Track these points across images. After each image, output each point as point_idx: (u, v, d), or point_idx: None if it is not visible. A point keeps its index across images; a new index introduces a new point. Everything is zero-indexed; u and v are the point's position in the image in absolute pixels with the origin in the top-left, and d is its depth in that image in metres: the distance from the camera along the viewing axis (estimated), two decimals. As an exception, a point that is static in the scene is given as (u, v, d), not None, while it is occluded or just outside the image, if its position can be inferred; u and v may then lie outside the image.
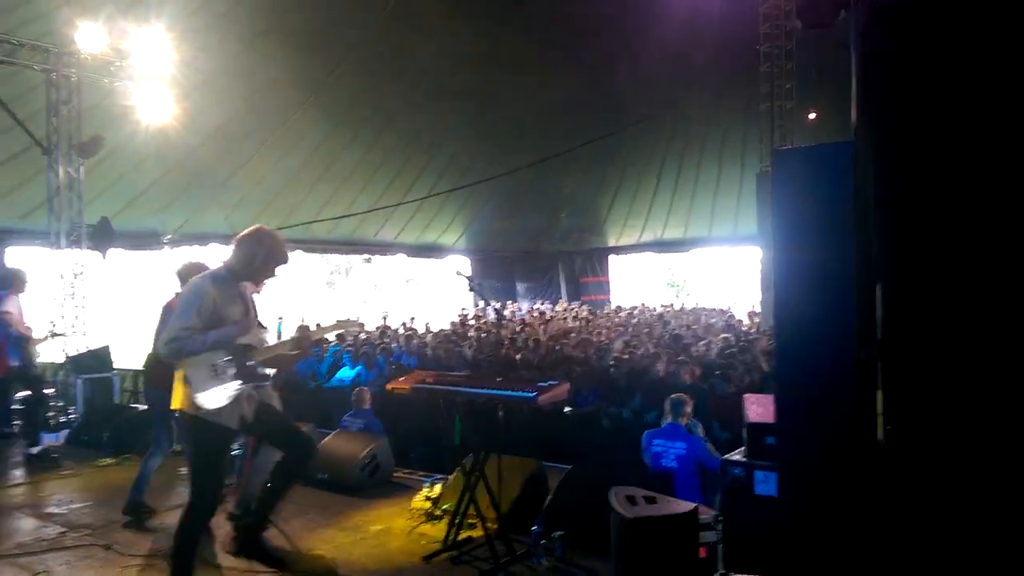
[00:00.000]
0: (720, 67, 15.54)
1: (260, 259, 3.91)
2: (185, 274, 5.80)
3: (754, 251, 16.35)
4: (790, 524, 3.34)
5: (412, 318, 17.13)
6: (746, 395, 5.05)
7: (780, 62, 13.69)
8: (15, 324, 7.49)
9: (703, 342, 10.06)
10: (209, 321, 3.71)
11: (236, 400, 3.76)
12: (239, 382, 3.75)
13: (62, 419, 9.16)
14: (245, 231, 3.98)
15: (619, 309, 18.45)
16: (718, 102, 16.78)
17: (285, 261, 4.03)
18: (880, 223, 2.54)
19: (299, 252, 18.57)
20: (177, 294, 5.75)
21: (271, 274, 4.01)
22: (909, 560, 2.53)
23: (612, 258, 23.02)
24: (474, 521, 4.78)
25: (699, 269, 35.59)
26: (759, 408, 4.38)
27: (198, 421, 3.70)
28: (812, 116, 14.54)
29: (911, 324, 2.55)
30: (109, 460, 7.22)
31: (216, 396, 3.68)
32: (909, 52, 2.58)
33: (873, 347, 2.54)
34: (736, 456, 4.39)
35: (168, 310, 5.66)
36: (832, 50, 12.60)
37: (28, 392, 8.00)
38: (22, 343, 7.54)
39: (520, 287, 23.22)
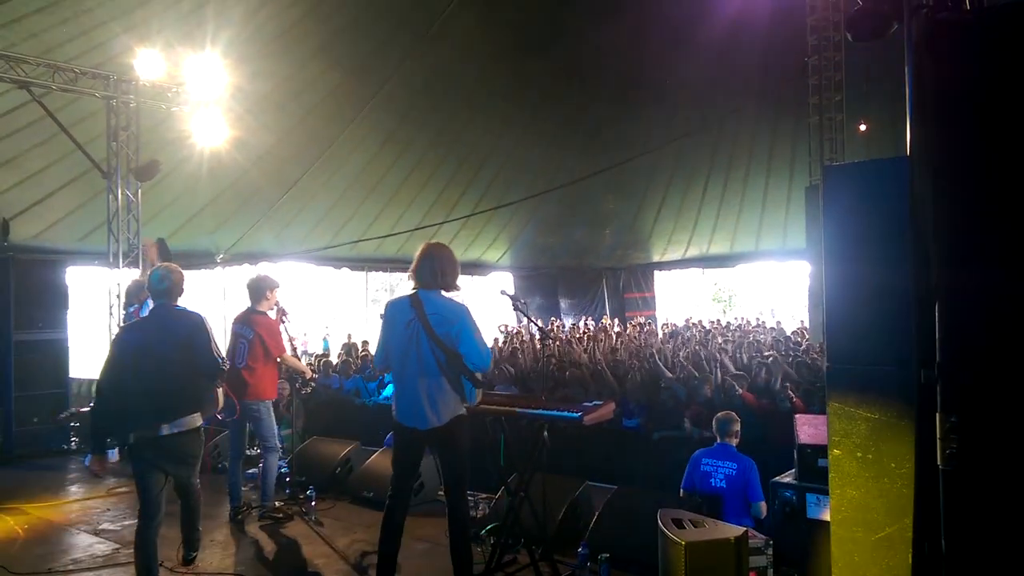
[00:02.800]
0: (767, 80, 15.36)
1: (454, 268, 4.27)
2: (257, 287, 6.00)
3: (803, 265, 16.03)
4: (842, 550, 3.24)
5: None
6: (797, 415, 4.94)
7: (829, 74, 13.47)
8: None
9: (756, 360, 9.87)
10: None
11: None
12: None
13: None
14: (428, 250, 4.25)
15: (642, 325, 18.15)
16: (765, 115, 16.57)
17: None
18: (940, 241, 2.46)
19: (345, 270, 18.83)
20: (250, 310, 5.93)
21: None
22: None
23: (657, 274, 22.83)
24: (518, 542, 4.75)
25: (746, 284, 35.06)
26: (811, 429, 4.28)
27: (467, 419, 4.23)
28: (863, 128, 14.25)
29: (974, 345, 2.46)
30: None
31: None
32: (969, 67, 2.51)
33: (933, 368, 2.45)
34: (787, 478, 4.29)
35: (241, 325, 5.87)
36: (882, 62, 12.38)
37: None
38: None
39: (564, 303, 23.16)
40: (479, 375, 4.23)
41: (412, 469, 4.36)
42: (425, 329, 4.06)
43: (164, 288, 4.48)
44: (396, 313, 4.24)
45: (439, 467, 4.50)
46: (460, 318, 4.11)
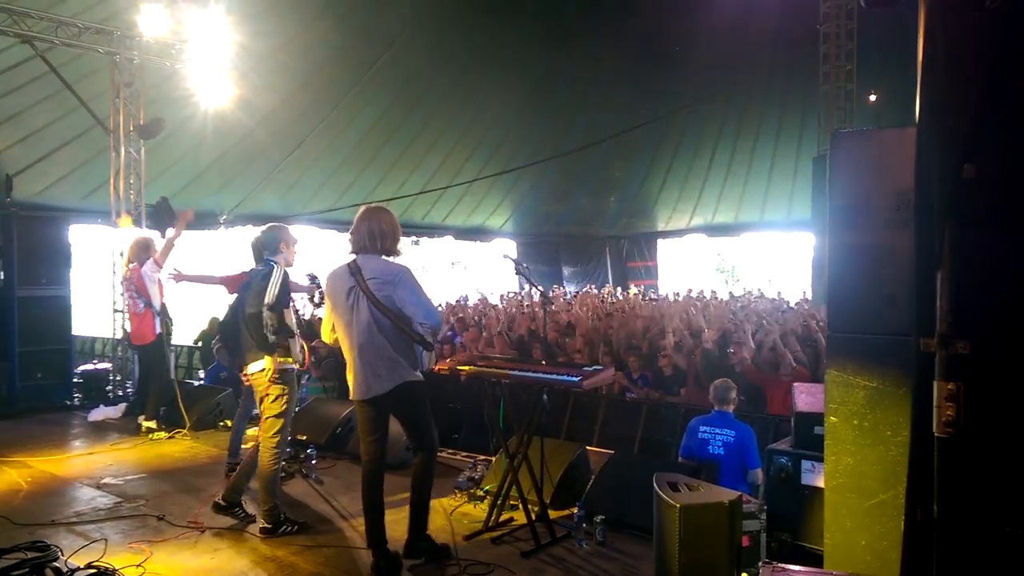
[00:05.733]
0: (779, 48, 15.15)
1: (395, 233, 4.17)
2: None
3: (807, 237, 15.95)
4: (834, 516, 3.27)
5: (465, 297, 17.05)
6: (795, 383, 4.96)
7: (841, 42, 13.25)
8: (158, 294, 7.63)
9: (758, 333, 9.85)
10: None
11: None
12: None
13: (119, 393, 9.48)
14: (367, 213, 4.15)
15: (637, 294, 18.10)
16: (776, 84, 16.36)
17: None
18: (944, 206, 2.43)
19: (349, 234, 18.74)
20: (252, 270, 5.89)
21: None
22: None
23: (660, 243, 22.75)
24: (516, 503, 4.80)
25: (749, 254, 34.96)
26: (808, 397, 4.29)
27: (424, 383, 4.15)
28: (873, 98, 14.07)
29: (974, 313, 2.45)
30: (162, 434, 7.44)
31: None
32: (983, 26, 2.46)
33: (932, 336, 2.45)
34: (783, 445, 4.32)
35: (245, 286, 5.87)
36: (895, 30, 12.17)
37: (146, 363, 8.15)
38: (165, 312, 7.70)
39: (566, 271, 23.13)
40: (429, 337, 4.09)
41: (376, 441, 4.15)
42: (367, 295, 3.94)
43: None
44: (336, 283, 4.10)
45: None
46: (402, 279, 3.98)
